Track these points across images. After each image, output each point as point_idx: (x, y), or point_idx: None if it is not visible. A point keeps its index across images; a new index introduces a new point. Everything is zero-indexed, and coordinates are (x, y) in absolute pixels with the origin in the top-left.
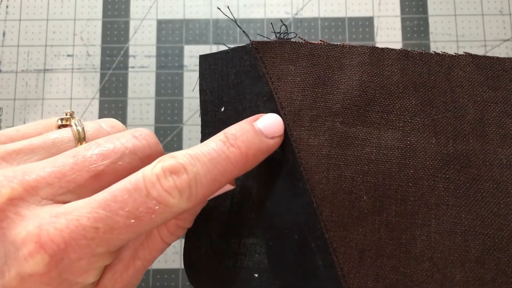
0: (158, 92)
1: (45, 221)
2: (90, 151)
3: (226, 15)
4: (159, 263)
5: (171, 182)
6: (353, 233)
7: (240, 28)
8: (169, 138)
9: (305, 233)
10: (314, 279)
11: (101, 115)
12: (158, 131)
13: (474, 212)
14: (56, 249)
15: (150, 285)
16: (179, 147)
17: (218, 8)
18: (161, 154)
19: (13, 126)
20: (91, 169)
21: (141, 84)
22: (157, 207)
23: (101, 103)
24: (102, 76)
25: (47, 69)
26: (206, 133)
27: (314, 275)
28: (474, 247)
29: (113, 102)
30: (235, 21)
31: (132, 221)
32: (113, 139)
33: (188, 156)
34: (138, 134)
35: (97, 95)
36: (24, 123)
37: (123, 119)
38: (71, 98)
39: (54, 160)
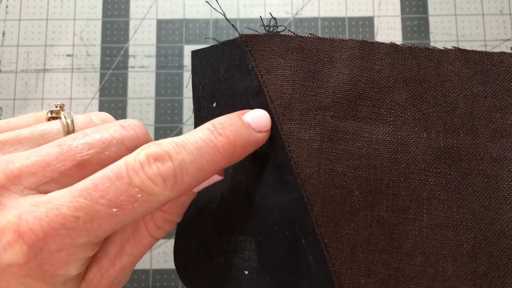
0: (158, 92)
1: (25, 210)
2: (76, 141)
3: (214, 9)
4: (159, 263)
5: (155, 169)
6: (345, 228)
7: (229, 21)
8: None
9: (296, 229)
10: (305, 275)
11: None
12: (158, 131)
13: (465, 206)
14: (35, 239)
15: (150, 285)
16: None
17: (207, 2)
18: None
19: None
20: (76, 159)
21: (141, 84)
22: (139, 195)
23: (101, 103)
24: (102, 76)
25: (47, 69)
26: None
27: (305, 271)
28: (466, 241)
29: (113, 102)
30: (223, 14)
31: (114, 210)
32: (101, 129)
33: (173, 143)
34: (126, 125)
35: (97, 95)
36: None
37: (123, 119)
38: (71, 98)
39: (39, 150)
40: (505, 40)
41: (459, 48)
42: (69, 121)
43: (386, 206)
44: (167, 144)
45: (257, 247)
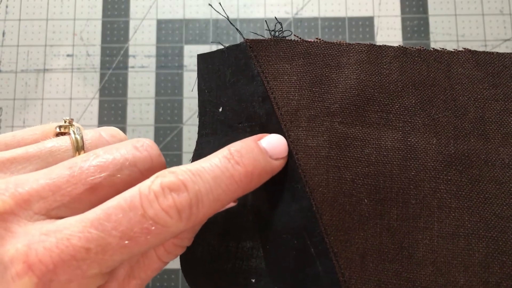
0: (158, 92)
1: (35, 239)
2: (87, 163)
3: (218, 12)
4: None
5: (170, 200)
6: (354, 237)
7: (234, 25)
8: (169, 138)
9: (304, 238)
10: (314, 285)
11: (101, 115)
12: (158, 131)
13: (477, 215)
14: (44, 270)
15: (150, 285)
16: (179, 147)
17: (210, 5)
18: (162, 167)
19: (12, 125)
20: (88, 182)
21: (141, 84)
22: (153, 228)
23: (101, 103)
24: (102, 76)
25: (47, 69)
26: (203, 134)
27: (314, 280)
28: (477, 251)
29: (113, 102)
30: (227, 18)
31: (126, 242)
32: (113, 150)
33: (189, 172)
34: (139, 145)
35: (97, 95)
36: (24, 123)
37: (123, 119)
38: (70, 98)
39: (50, 172)
40: (505, 40)
41: (470, 50)
42: (78, 137)
43: (396, 214)
44: (183, 173)
45: (265, 255)
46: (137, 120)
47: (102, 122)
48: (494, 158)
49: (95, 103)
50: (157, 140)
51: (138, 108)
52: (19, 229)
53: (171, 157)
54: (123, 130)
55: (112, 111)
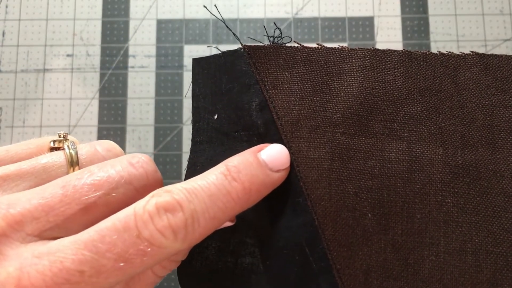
0: (158, 92)
1: (27, 262)
2: (81, 181)
3: (214, 16)
4: None
5: (165, 221)
6: (358, 253)
7: (229, 29)
8: (169, 138)
9: (306, 253)
10: None
11: (101, 115)
12: (158, 131)
13: (485, 229)
14: None
15: None
16: (179, 147)
17: (204, 7)
18: (159, 183)
19: (12, 125)
20: (82, 201)
21: (141, 84)
22: (149, 249)
23: (101, 103)
24: (102, 76)
25: (47, 69)
26: (198, 141)
27: None
28: (486, 267)
29: (113, 102)
30: (223, 21)
31: (121, 264)
32: (108, 167)
33: (184, 191)
34: (135, 161)
35: (97, 95)
36: (24, 123)
37: (123, 119)
38: (70, 98)
39: (42, 191)
40: (505, 40)
41: (477, 53)
42: (73, 152)
43: (401, 229)
44: (178, 192)
45: (265, 271)
46: (137, 120)
47: (102, 122)
48: (503, 169)
49: (95, 103)
50: (157, 140)
51: (138, 108)
52: (11, 251)
53: (171, 157)
54: (123, 130)
55: (112, 111)
